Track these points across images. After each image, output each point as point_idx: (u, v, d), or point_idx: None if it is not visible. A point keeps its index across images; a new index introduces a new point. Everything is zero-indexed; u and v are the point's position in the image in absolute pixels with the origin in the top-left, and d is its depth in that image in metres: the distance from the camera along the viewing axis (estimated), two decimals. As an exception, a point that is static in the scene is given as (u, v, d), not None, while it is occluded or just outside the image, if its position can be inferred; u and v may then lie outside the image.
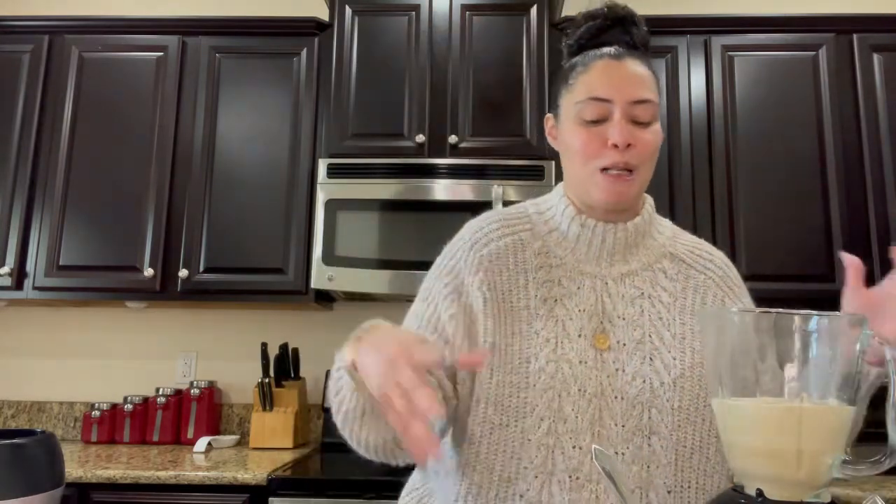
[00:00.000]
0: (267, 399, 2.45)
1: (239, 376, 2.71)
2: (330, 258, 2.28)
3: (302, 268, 2.38)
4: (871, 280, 2.61)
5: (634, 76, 0.97)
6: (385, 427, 0.84)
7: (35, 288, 2.41)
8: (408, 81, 2.43)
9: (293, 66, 2.53)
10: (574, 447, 0.90)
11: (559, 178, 2.48)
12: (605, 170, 0.96)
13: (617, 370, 0.93)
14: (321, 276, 2.28)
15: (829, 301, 2.31)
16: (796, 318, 0.73)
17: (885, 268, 2.28)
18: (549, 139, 1.08)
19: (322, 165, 2.36)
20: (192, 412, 2.53)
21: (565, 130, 1.01)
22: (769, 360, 0.75)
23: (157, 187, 2.45)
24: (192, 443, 2.51)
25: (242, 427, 2.65)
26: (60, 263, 2.42)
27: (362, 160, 2.36)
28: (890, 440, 0.74)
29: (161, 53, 2.55)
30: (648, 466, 0.91)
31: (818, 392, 0.73)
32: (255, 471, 1.99)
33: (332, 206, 2.33)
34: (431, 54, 2.45)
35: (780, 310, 0.74)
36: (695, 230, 2.33)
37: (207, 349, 2.74)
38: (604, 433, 0.91)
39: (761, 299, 2.56)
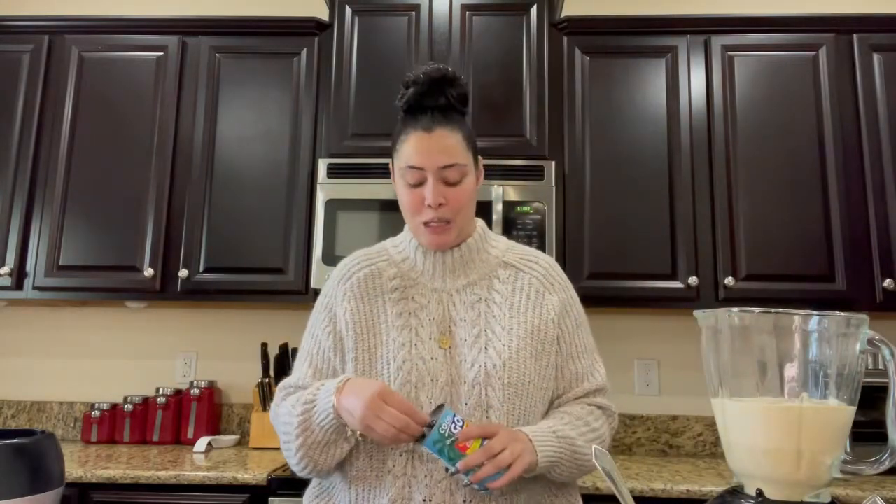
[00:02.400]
0: (267, 399, 2.45)
1: (239, 376, 2.71)
2: (330, 258, 2.28)
3: (302, 268, 2.38)
4: (871, 281, 2.60)
5: (443, 146, 1.18)
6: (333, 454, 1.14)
7: (35, 288, 2.41)
8: (408, 81, 2.43)
9: (293, 66, 2.53)
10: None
11: (559, 178, 2.49)
12: (426, 223, 1.19)
13: (461, 362, 1.17)
14: (321, 276, 2.28)
15: (829, 301, 2.32)
16: (796, 318, 0.73)
17: (885, 268, 2.28)
18: (393, 183, 1.28)
19: (322, 165, 2.36)
20: (192, 412, 2.53)
21: (397, 186, 1.24)
22: (769, 360, 0.75)
23: (157, 187, 2.45)
24: (192, 443, 2.51)
25: (242, 427, 2.65)
26: (60, 263, 2.42)
27: (362, 160, 2.36)
28: (890, 440, 0.74)
29: (161, 53, 2.55)
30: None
31: (818, 392, 0.73)
32: (255, 471, 1.99)
33: (332, 206, 2.33)
34: (431, 54, 2.45)
35: (780, 310, 0.75)
36: (695, 230, 2.34)
37: (207, 349, 2.74)
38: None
39: (761, 299, 2.56)
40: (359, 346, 1.19)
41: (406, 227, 1.31)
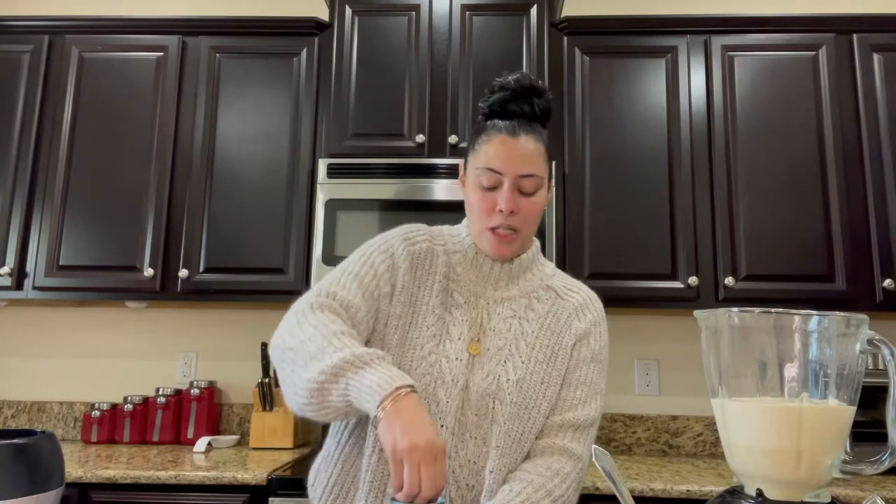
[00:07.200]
0: (267, 399, 2.45)
1: (239, 376, 2.71)
2: (330, 258, 2.28)
3: (302, 268, 2.38)
4: (871, 281, 2.60)
5: (525, 153, 1.16)
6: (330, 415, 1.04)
7: (35, 288, 2.41)
8: (408, 81, 2.43)
9: (293, 66, 2.53)
10: (442, 426, 1.11)
11: (559, 178, 2.49)
12: (493, 229, 1.18)
13: (480, 370, 1.16)
14: (321, 276, 2.28)
15: (829, 301, 2.32)
16: (796, 318, 0.73)
17: (885, 268, 2.28)
18: (460, 184, 1.28)
19: (322, 165, 2.36)
20: (192, 412, 2.53)
21: (468, 186, 1.23)
22: (769, 360, 0.75)
23: (157, 187, 2.45)
24: (192, 443, 2.51)
25: (242, 427, 2.65)
26: (60, 263, 2.42)
27: (362, 160, 2.36)
28: (890, 440, 0.74)
29: (161, 53, 2.56)
30: (488, 451, 1.13)
31: (818, 392, 0.73)
32: (255, 471, 1.99)
33: (332, 206, 2.33)
34: (431, 54, 2.45)
35: (780, 310, 0.75)
36: (695, 230, 2.34)
37: (207, 349, 2.74)
38: (464, 420, 1.13)
39: (761, 299, 2.55)
40: (402, 317, 1.17)
41: (464, 221, 1.29)
